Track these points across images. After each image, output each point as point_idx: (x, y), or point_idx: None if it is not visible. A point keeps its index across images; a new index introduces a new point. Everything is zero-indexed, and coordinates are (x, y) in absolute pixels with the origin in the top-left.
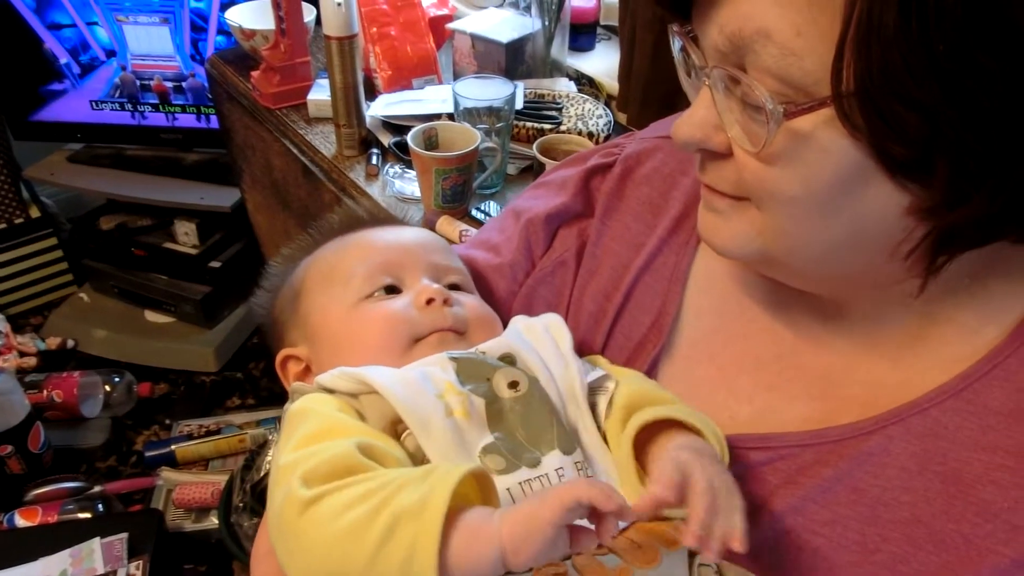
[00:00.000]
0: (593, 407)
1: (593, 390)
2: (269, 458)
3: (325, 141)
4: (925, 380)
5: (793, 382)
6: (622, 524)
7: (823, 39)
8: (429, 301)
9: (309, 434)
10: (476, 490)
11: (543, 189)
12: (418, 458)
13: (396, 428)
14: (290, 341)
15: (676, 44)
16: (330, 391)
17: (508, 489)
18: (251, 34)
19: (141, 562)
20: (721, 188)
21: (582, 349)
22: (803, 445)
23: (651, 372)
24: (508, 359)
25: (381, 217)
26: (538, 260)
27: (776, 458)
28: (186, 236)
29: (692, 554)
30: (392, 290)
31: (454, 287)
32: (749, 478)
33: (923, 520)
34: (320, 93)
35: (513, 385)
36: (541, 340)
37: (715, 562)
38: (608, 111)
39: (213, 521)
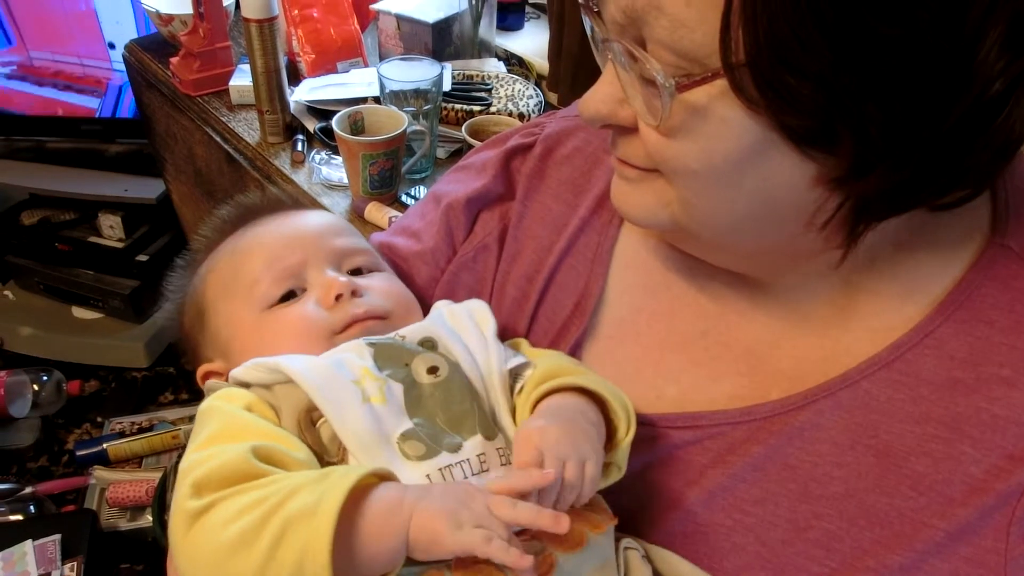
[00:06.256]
0: (513, 393)
1: (514, 376)
2: None
3: (249, 128)
4: (854, 352)
5: (720, 359)
6: None
7: (712, 8)
8: (337, 298)
9: (210, 435)
10: None
11: (463, 172)
12: (333, 449)
13: (311, 416)
14: (205, 357)
15: (586, 20)
16: (246, 385)
17: (428, 475)
18: (169, 19)
19: (75, 563)
20: (633, 162)
21: (506, 334)
22: (732, 423)
23: (575, 354)
24: (428, 344)
25: (275, 201)
26: (459, 245)
27: (705, 437)
28: (111, 229)
29: (618, 537)
30: (295, 293)
31: (357, 271)
32: (677, 458)
33: (856, 495)
34: (242, 79)
35: (432, 370)
36: (464, 325)
37: (638, 545)
38: (539, 91)
39: (148, 519)
